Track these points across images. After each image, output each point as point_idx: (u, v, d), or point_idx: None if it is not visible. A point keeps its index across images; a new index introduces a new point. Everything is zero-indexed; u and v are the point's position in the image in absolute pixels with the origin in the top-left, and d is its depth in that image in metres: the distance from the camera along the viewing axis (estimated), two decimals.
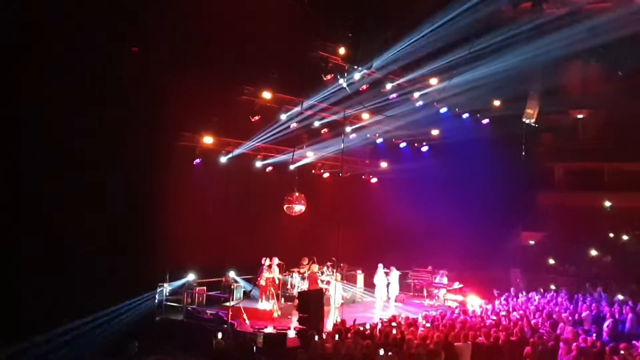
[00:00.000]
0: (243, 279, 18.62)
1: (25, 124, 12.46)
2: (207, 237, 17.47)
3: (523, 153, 23.98)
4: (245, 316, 15.95)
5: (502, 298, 19.04)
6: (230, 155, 19.16)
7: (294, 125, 18.93)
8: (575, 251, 23.58)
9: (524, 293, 19.59)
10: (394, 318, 14.57)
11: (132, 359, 10.72)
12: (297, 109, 18.29)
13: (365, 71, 16.90)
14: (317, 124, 19.82)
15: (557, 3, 15.49)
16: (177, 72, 14.51)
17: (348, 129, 20.64)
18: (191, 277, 17.69)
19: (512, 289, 20.16)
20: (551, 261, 23.88)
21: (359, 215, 23.33)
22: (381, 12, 15.58)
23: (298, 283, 19.30)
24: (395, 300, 20.47)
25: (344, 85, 17.06)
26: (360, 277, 22.11)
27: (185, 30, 14.05)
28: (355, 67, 16.66)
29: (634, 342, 11.72)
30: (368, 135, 22.44)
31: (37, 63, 12.28)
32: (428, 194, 23.37)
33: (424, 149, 25.67)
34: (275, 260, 18.18)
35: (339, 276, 18.02)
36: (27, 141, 12.67)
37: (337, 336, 12.11)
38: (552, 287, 21.11)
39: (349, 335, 12.15)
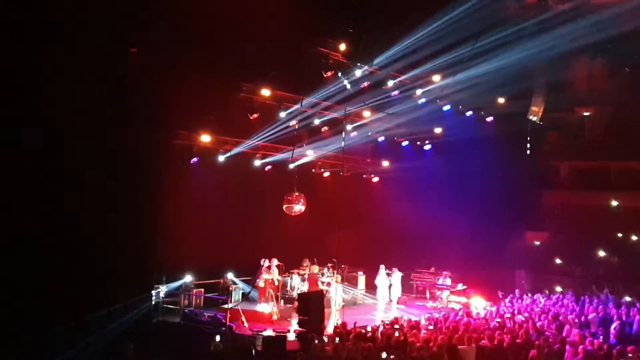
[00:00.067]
0: (241, 280, 18.40)
1: (25, 124, 12.36)
2: (204, 237, 17.29)
3: (528, 151, 23.79)
4: (243, 318, 15.78)
5: (507, 300, 18.82)
6: (228, 154, 18.90)
7: (293, 123, 18.68)
8: (581, 252, 23.33)
9: (529, 295, 19.35)
10: (396, 320, 14.34)
11: None
12: (296, 107, 18.04)
13: (366, 68, 16.65)
14: (317, 121, 19.59)
15: None
16: (173, 69, 14.38)
17: (349, 127, 20.43)
18: (188, 278, 17.48)
19: (516, 291, 19.93)
20: (558, 261, 23.61)
21: (360, 215, 23.14)
22: (383, 8, 15.34)
23: (298, 285, 19.10)
24: (398, 302, 20.21)
25: (345, 82, 16.82)
26: (361, 278, 21.90)
27: (183, 27, 13.92)
28: (357, 63, 16.42)
29: None
30: (369, 134, 22.20)
31: (36, 63, 12.18)
32: (431, 194, 23.18)
33: (427, 147, 25.48)
34: (275, 262, 17.97)
35: (339, 278, 17.77)
36: (27, 141, 12.56)
37: (337, 339, 11.96)
38: (559, 288, 20.82)
39: (350, 337, 11.93)
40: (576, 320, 14.73)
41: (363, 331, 13.11)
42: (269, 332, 14.55)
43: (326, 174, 23.71)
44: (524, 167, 23.99)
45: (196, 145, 17.79)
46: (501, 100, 21.44)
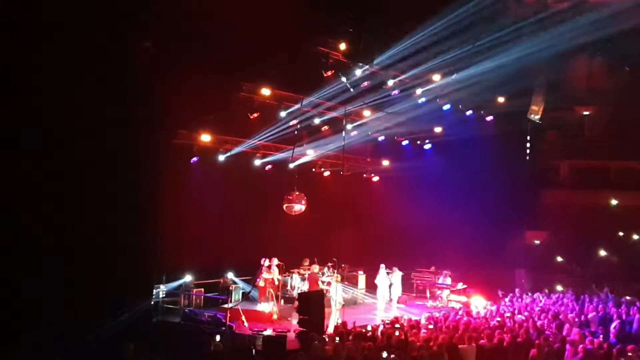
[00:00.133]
0: (242, 280, 18.39)
1: (25, 124, 12.33)
2: (204, 237, 17.28)
3: (528, 150, 23.75)
4: (243, 318, 15.77)
5: (507, 299, 18.80)
6: (228, 154, 18.87)
7: (293, 122, 18.66)
8: (581, 251, 23.31)
9: (529, 294, 19.34)
10: (396, 320, 14.33)
11: None
12: (296, 106, 18.03)
13: (366, 67, 16.63)
14: (317, 121, 19.58)
15: None
16: (173, 68, 14.30)
17: (349, 126, 20.41)
18: (188, 278, 17.48)
19: (516, 290, 19.92)
20: (559, 259, 23.59)
21: (360, 215, 23.15)
22: (383, 8, 15.32)
23: (298, 284, 19.10)
24: (398, 302, 20.22)
25: (345, 81, 16.80)
26: (361, 278, 21.89)
27: (183, 27, 13.85)
28: (357, 63, 16.40)
29: None
30: (369, 133, 22.17)
31: (36, 63, 12.15)
32: (431, 193, 23.15)
33: (427, 146, 25.44)
34: (275, 261, 17.98)
35: (339, 277, 17.78)
36: (27, 141, 12.53)
37: (337, 338, 11.91)
38: (560, 287, 20.80)
39: (350, 337, 11.92)
40: (576, 320, 14.74)
41: (363, 330, 13.12)
42: (269, 332, 14.54)
43: (326, 174, 23.70)
44: (523, 166, 23.98)
45: (196, 144, 17.76)
46: (501, 99, 21.41)
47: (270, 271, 17.72)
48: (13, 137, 12.10)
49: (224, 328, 14.41)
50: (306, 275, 18.93)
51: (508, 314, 15.60)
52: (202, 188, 17.66)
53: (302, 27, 14.83)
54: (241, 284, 18.29)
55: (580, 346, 10.77)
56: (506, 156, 23.00)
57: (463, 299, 20.07)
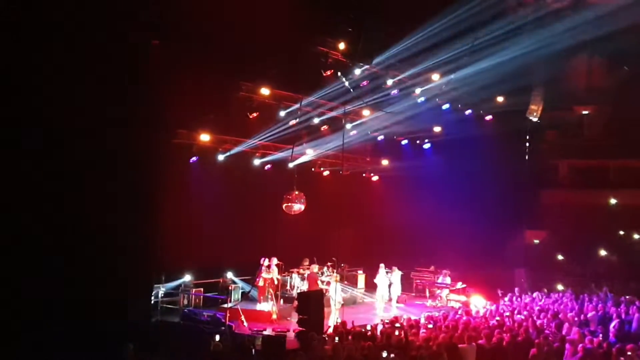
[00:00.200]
0: (241, 279, 18.38)
1: (25, 124, 12.31)
2: (203, 236, 17.27)
3: (527, 150, 23.75)
4: (243, 318, 15.74)
5: (506, 298, 18.79)
6: (228, 154, 18.86)
7: (293, 122, 18.66)
8: (580, 250, 23.30)
9: (529, 293, 19.34)
10: (396, 319, 14.31)
11: None
12: (296, 106, 18.02)
13: (365, 67, 16.63)
14: (316, 120, 19.57)
15: None
16: (173, 68, 14.29)
17: (348, 125, 20.40)
18: (187, 278, 17.48)
19: (516, 289, 19.90)
20: (560, 257, 23.59)
21: (359, 214, 23.14)
22: (382, 7, 15.32)
23: (297, 284, 19.08)
24: (397, 301, 20.20)
25: (344, 81, 16.79)
26: (361, 277, 21.88)
27: (182, 26, 13.86)
28: (356, 62, 16.39)
29: None
30: (369, 132, 22.18)
31: (36, 63, 12.13)
32: (430, 192, 23.16)
33: (426, 146, 25.43)
34: (274, 261, 17.96)
35: (337, 276, 17.78)
36: (27, 141, 12.51)
37: (337, 338, 11.89)
38: (560, 287, 20.79)
39: (349, 337, 11.91)
40: (575, 319, 14.71)
41: (363, 330, 13.10)
42: (268, 332, 14.57)
43: (326, 173, 23.71)
44: (523, 166, 23.97)
45: (196, 144, 17.77)
46: (500, 98, 21.42)
47: (270, 271, 17.70)
48: (13, 137, 12.08)
49: (223, 328, 14.37)
50: (306, 275, 18.91)
51: (507, 314, 15.58)
52: (202, 188, 17.67)
53: (302, 26, 14.82)
54: (240, 284, 18.27)
55: (580, 345, 10.74)
56: (505, 156, 23.01)
57: (462, 298, 20.06)
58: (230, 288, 17.60)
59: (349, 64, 16.31)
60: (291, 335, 14.07)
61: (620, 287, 19.88)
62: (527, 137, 24.18)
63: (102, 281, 13.38)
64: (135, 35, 13.43)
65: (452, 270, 21.65)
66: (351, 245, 20.26)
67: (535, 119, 22.09)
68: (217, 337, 12.91)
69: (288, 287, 19.23)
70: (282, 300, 18.21)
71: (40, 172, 12.44)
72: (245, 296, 17.98)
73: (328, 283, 18.38)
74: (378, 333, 12.66)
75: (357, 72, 16.68)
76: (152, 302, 16.35)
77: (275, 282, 17.84)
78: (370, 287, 20.95)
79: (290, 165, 20.67)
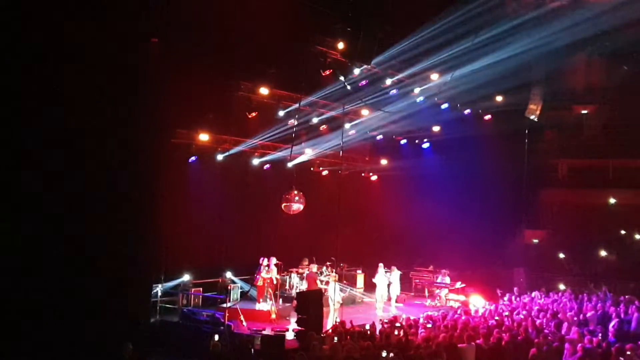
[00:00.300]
0: (240, 279, 18.36)
1: (25, 124, 12.30)
2: (202, 236, 17.28)
3: (526, 149, 23.74)
4: (242, 318, 15.68)
5: (505, 298, 18.78)
6: (226, 153, 18.85)
7: (291, 121, 18.64)
8: (579, 249, 23.29)
9: (529, 292, 19.33)
10: (395, 319, 14.30)
11: None
12: (295, 106, 18.01)
13: (364, 66, 16.62)
14: (315, 120, 19.54)
15: None
16: (172, 68, 14.29)
17: (347, 125, 20.37)
18: (186, 277, 17.43)
19: (515, 289, 19.88)
20: (561, 255, 23.59)
21: (358, 214, 23.14)
22: (381, 7, 15.30)
23: (297, 283, 19.06)
24: (397, 301, 20.18)
25: (343, 80, 16.79)
26: (360, 277, 21.86)
27: (181, 26, 13.84)
28: (355, 62, 16.38)
29: None
30: (368, 132, 22.18)
31: (36, 64, 12.13)
32: (429, 192, 23.18)
33: (425, 145, 25.43)
34: (273, 260, 17.92)
35: (336, 276, 17.77)
36: (27, 141, 12.50)
37: (336, 338, 11.87)
38: (562, 287, 20.76)
39: (348, 336, 11.90)
40: (575, 318, 14.69)
41: (362, 330, 13.09)
42: (267, 331, 14.55)
43: (325, 173, 23.69)
44: (522, 165, 23.96)
45: (194, 144, 17.75)
46: (499, 98, 21.41)
47: (269, 270, 17.67)
48: (13, 137, 12.07)
49: (222, 327, 14.28)
50: (304, 275, 18.88)
51: (506, 313, 15.56)
52: (201, 187, 17.66)
53: (300, 26, 14.84)
54: (239, 283, 18.27)
55: (579, 345, 10.75)
56: (504, 155, 22.98)
57: (462, 298, 20.05)
58: (229, 288, 17.55)
59: (348, 64, 16.31)
60: (290, 335, 14.08)
61: (619, 287, 19.87)
62: (526, 137, 24.17)
63: (102, 281, 13.38)
64: (135, 35, 13.43)
65: (451, 269, 21.64)
66: (350, 244, 20.23)
67: (534, 119, 22.09)
68: (216, 337, 12.88)
69: (287, 287, 19.21)
70: (281, 300, 18.18)
71: (41, 172, 12.45)
72: (244, 296, 17.95)
73: (327, 283, 18.36)
74: (377, 333, 12.65)
75: (356, 71, 16.67)
76: (151, 301, 16.31)
77: (275, 282, 17.81)
78: (369, 286, 20.92)
79: (289, 164, 20.64)
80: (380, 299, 19.56)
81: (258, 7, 13.75)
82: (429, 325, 13.58)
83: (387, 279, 19.86)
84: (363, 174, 25.83)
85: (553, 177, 27.31)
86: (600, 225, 24.30)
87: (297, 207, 19.43)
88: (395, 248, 22.86)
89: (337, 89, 17.59)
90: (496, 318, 14.80)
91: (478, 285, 20.52)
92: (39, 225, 12.40)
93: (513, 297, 18.75)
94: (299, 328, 13.93)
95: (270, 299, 17.19)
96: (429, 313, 16.21)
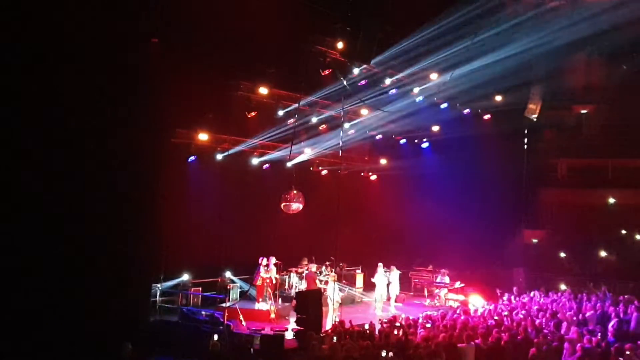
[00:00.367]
0: (239, 279, 18.37)
1: (25, 124, 12.30)
2: (202, 236, 17.25)
3: (525, 149, 23.75)
4: (241, 317, 15.70)
5: (505, 298, 18.79)
6: (226, 153, 18.85)
7: (291, 121, 18.65)
8: (579, 249, 23.31)
9: (528, 292, 19.34)
10: (394, 318, 14.31)
11: None
12: (294, 106, 18.01)
13: (364, 66, 16.62)
14: (314, 119, 19.54)
15: None
16: (171, 67, 14.28)
17: (347, 125, 20.38)
18: (186, 277, 17.46)
19: (514, 288, 19.89)
20: (562, 254, 23.60)
21: (358, 213, 23.13)
22: (380, 7, 15.31)
23: (296, 283, 19.07)
24: (396, 300, 20.19)
25: (342, 80, 16.79)
26: (359, 276, 21.87)
27: (181, 26, 13.84)
28: (354, 61, 16.39)
29: (639, 342, 11.50)
30: (367, 132, 22.19)
31: (36, 64, 12.13)
32: (428, 191, 23.20)
33: (424, 145, 25.44)
34: (273, 260, 17.95)
35: (335, 276, 17.78)
36: (27, 141, 12.50)
37: (335, 337, 11.86)
38: (563, 286, 20.76)
39: (347, 336, 11.90)
40: (574, 318, 14.70)
41: (361, 329, 13.09)
42: (267, 331, 14.51)
43: (324, 172, 23.69)
44: (521, 165, 23.98)
45: (194, 143, 17.74)
46: (498, 97, 21.42)
47: (268, 270, 17.68)
48: (13, 137, 12.07)
49: (221, 327, 14.29)
50: (304, 274, 18.88)
51: (506, 313, 15.57)
52: (200, 187, 17.66)
53: (300, 26, 14.85)
54: (239, 283, 18.28)
55: (579, 345, 10.77)
56: (504, 155, 23.02)
57: (461, 297, 20.06)
58: (228, 287, 17.62)
59: (347, 63, 16.32)
60: (289, 334, 14.06)
61: (619, 287, 19.88)
62: (526, 136, 24.20)
63: (101, 281, 13.39)
64: (135, 35, 13.43)
65: (451, 269, 21.64)
66: (349, 244, 20.21)
67: (533, 118, 22.10)
68: (216, 337, 12.87)
69: (286, 287, 19.22)
70: (280, 300, 18.19)
71: (39, 172, 12.44)
72: (243, 295, 17.96)
73: (326, 282, 18.37)
74: (376, 332, 12.65)
75: (356, 71, 16.68)
76: (151, 301, 16.32)
77: (274, 282, 17.83)
78: (369, 286, 20.93)
79: (289, 164, 20.64)
80: (380, 298, 19.56)
81: (258, 7, 13.74)
82: (428, 325, 13.58)
83: (387, 278, 19.87)
84: (362, 174, 25.83)
85: (552, 176, 27.35)
86: (600, 225, 24.33)
87: (297, 206, 19.42)
88: (395, 248, 22.84)
89: (336, 88, 17.58)
90: (495, 318, 14.79)
91: (477, 285, 20.52)
92: (39, 225, 12.39)
93: (512, 297, 18.76)
94: (298, 328, 13.92)
95: (270, 299, 17.20)
96: (428, 313, 16.22)
